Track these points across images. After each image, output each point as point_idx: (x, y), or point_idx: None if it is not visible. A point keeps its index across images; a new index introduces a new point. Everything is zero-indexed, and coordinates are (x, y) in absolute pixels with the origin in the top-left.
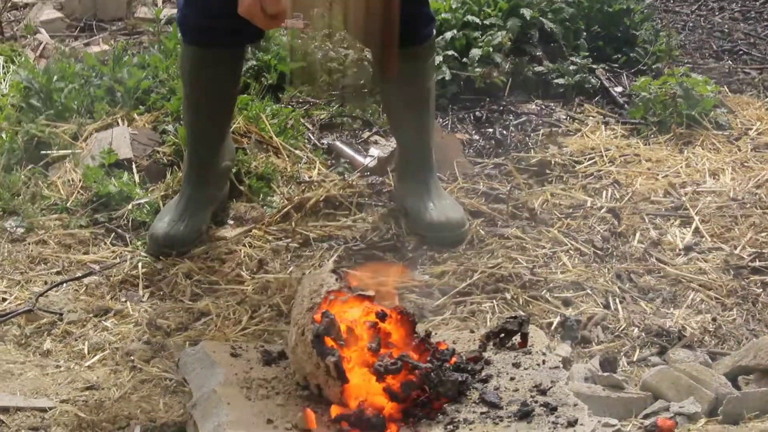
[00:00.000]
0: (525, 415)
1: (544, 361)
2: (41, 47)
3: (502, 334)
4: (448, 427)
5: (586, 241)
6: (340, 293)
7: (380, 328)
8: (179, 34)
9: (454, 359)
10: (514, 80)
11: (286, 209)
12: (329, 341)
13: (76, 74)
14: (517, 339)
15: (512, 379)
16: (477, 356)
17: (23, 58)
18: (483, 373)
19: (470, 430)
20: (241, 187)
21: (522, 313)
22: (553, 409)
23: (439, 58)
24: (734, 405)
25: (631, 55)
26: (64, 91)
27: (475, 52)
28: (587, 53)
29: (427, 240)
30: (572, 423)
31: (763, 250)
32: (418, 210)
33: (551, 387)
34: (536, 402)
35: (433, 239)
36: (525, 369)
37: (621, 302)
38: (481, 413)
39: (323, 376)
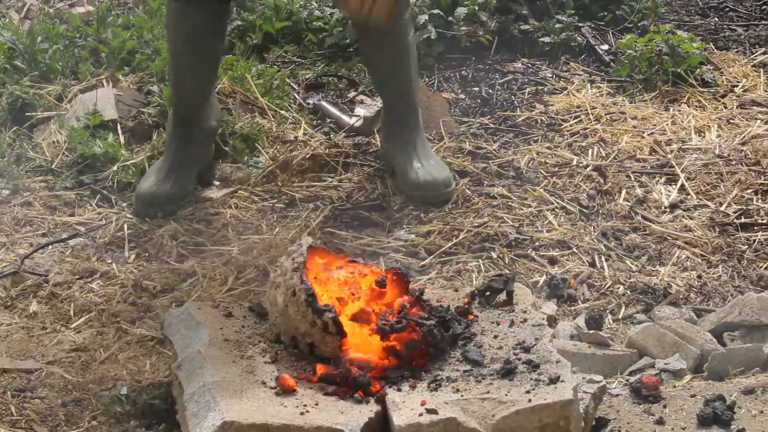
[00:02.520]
0: (508, 372)
1: (526, 319)
2: (25, 8)
3: (488, 293)
4: (432, 385)
5: (571, 199)
6: (320, 250)
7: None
8: None
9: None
10: (499, 39)
11: (270, 168)
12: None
13: (61, 35)
14: (502, 297)
15: (495, 337)
16: (464, 309)
17: (7, 20)
18: (470, 330)
19: (453, 388)
20: (227, 148)
21: (507, 272)
22: (536, 366)
23: (424, 17)
24: (719, 361)
25: (617, 12)
26: (48, 52)
27: (461, 11)
28: (573, 11)
29: (413, 199)
30: (554, 380)
31: (749, 207)
32: (404, 169)
33: (534, 344)
34: (519, 360)
35: (419, 198)
36: (509, 327)
37: (607, 260)
38: (464, 371)
39: (319, 334)
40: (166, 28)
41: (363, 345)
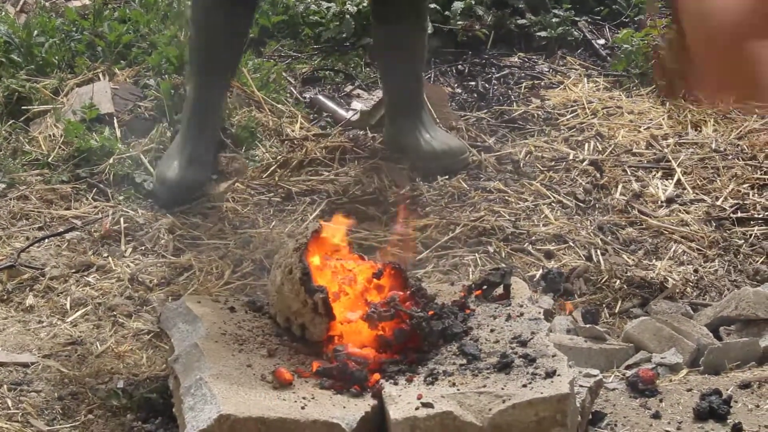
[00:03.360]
0: (504, 366)
1: (521, 313)
2: (21, 2)
3: (485, 286)
4: (428, 378)
5: (568, 193)
6: (324, 235)
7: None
8: None
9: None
10: (496, 33)
11: (271, 169)
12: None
13: (57, 29)
14: (499, 291)
15: (492, 330)
16: (461, 302)
17: (3, 13)
18: (467, 324)
19: (449, 381)
20: (225, 139)
21: (504, 265)
22: (532, 360)
23: None
24: (715, 355)
25: (614, 7)
26: (44, 46)
27: (457, 5)
28: (570, 5)
29: (432, 170)
30: (551, 374)
31: (745, 202)
32: (416, 144)
33: (531, 338)
34: (516, 354)
35: (437, 169)
36: (505, 321)
37: (603, 254)
38: (461, 365)
39: (309, 314)
40: (193, 16)
41: (355, 335)
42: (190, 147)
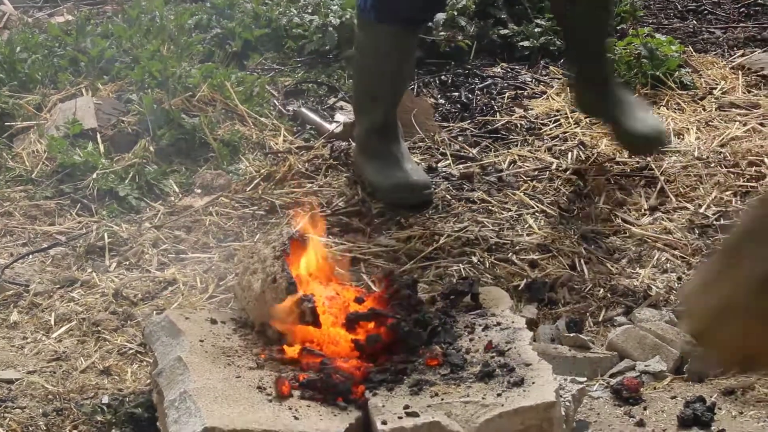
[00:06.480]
0: (486, 375)
1: (499, 323)
2: (5, 18)
3: (453, 296)
4: (413, 389)
5: (551, 203)
6: (300, 241)
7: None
8: (371, 16)
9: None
10: (479, 43)
11: (255, 182)
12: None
13: (40, 45)
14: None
15: (471, 340)
16: (444, 309)
17: None
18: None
19: (433, 392)
20: (208, 155)
21: (473, 275)
22: (513, 369)
23: None
24: (699, 363)
25: None
26: (27, 62)
27: (440, 16)
28: (552, 15)
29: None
30: (536, 382)
31: (728, 209)
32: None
33: (509, 348)
34: (498, 363)
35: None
36: (483, 330)
37: (587, 263)
38: (443, 375)
39: (293, 322)
40: (374, 51)
41: (334, 343)
42: (398, 150)
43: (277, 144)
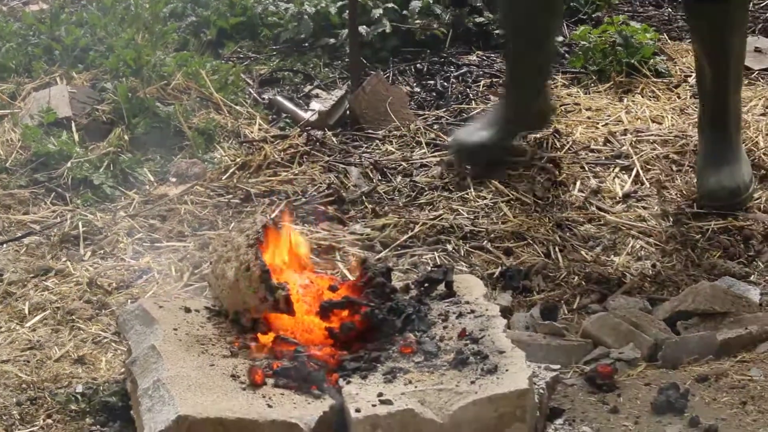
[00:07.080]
0: (460, 363)
1: (473, 311)
2: None
3: (427, 284)
4: (387, 376)
5: (526, 191)
6: (274, 229)
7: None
8: None
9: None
10: (454, 32)
11: (230, 171)
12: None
13: (14, 33)
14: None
15: (445, 327)
16: (419, 297)
17: None
18: (421, 321)
19: (407, 379)
20: (185, 142)
21: (448, 263)
22: (487, 357)
23: (378, 11)
24: (673, 349)
25: (572, 3)
26: (1, 51)
27: (415, 4)
28: None
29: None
30: (509, 370)
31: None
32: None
33: (488, 335)
34: (472, 350)
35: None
36: (457, 318)
37: (561, 251)
38: (416, 363)
39: (268, 310)
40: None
41: (308, 331)
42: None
43: (252, 132)
